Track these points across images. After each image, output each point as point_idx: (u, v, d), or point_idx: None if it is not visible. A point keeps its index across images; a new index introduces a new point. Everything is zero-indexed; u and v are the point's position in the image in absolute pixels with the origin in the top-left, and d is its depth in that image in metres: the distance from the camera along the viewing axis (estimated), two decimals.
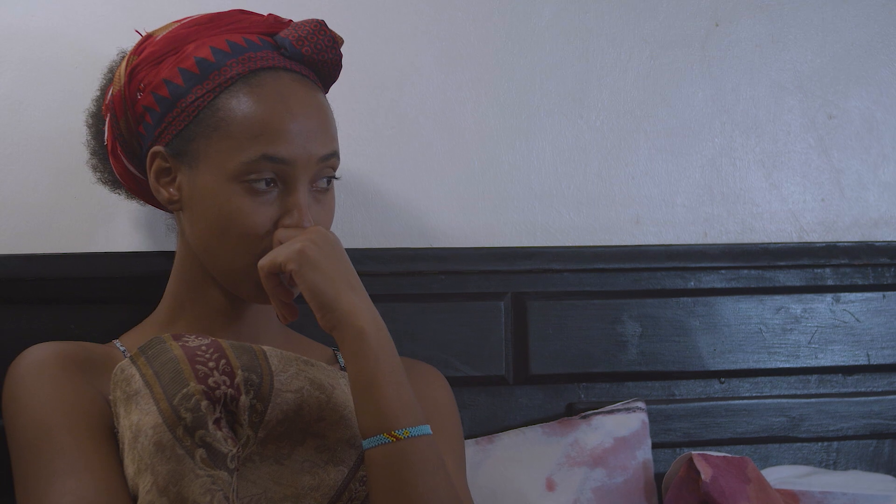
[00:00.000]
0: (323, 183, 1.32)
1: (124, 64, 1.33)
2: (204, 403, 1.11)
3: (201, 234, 1.28)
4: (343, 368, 1.38)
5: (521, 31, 1.81)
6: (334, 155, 1.32)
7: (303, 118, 1.28)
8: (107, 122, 1.35)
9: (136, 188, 1.40)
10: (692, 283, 1.79)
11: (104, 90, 1.41)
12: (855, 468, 1.83)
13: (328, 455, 1.21)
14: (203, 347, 1.16)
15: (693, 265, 1.78)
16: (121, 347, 1.34)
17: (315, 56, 1.32)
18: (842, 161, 1.93)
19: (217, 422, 1.12)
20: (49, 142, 1.47)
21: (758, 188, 1.90)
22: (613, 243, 1.80)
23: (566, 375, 1.74)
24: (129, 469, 1.14)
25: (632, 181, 1.85)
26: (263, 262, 1.22)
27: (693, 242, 1.84)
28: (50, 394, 1.20)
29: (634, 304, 1.76)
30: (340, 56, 1.36)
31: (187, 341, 1.17)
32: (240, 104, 1.25)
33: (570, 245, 1.77)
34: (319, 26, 1.34)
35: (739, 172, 1.89)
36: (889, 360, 1.85)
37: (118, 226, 1.62)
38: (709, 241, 1.86)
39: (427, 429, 1.17)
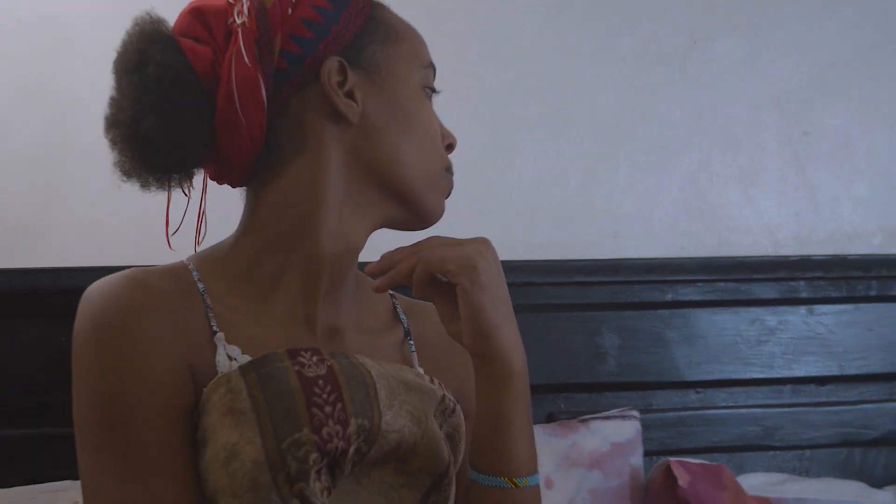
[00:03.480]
0: None
1: None
2: (314, 456, 1.03)
3: (393, 144, 1.16)
4: (412, 348, 1.25)
5: (502, 48, 1.82)
6: None
7: None
8: (243, 47, 1.13)
9: (250, 139, 1.14)
10: (669, 296, 1.80)
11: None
12: (827, 475, 1.85)
13: (405, 478, 1.15)
14: (320, 382, 1.06)
15: (670, 278, 1.80)
16: (196, 277, 1.14)
17: None
18: (817, 177, 1.95)
19: (319, 472, 1.04)
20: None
21: (734, 203, 1.92)
22: (593, 257, 1.80)
23: (547, 386, 1.75)
24: (212, 481, 1.05)
25: (611, 197, 1.87)
26: (432, 258, 1.11)
27: (671, 256, 1.85)
28: (132, 361, 1.05)
29: (613, 316, 1.77)
30: None
31: (303, 364, 1.07)
32: (390, 15, 1.21)
33: (550, 259, 1.78)
34: None
35: (717, 188, 1.91)
36: (861, 371, 1.87)
37: (112, 239, 1.63)
38: (686, 254, 1.87)
39: (538, 478, 1.14)
